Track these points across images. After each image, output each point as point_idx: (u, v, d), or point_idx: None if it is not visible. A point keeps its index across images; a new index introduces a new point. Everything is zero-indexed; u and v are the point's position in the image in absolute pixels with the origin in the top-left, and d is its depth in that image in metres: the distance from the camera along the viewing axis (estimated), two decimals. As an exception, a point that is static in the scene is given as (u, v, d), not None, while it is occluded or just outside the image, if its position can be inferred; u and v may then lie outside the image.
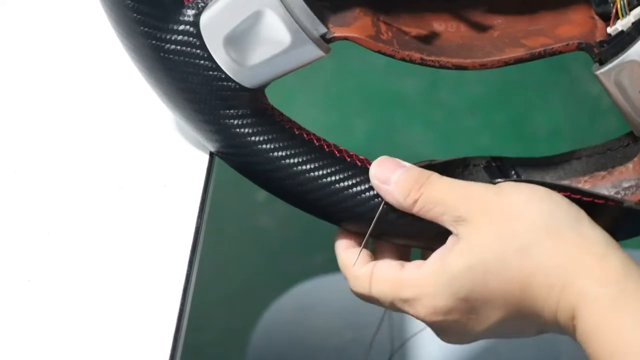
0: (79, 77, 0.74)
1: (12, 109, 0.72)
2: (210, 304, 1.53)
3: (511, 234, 0.60)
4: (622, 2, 0.61)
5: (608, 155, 0.67)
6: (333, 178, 0.63)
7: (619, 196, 0.65)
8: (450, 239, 0.62)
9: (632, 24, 0.61)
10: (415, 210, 0.62)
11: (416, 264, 0.63)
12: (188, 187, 0.68)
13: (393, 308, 0.64)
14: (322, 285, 0.98)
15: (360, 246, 0.65)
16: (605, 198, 0.64)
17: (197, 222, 0.67)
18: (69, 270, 0.64)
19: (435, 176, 0.63)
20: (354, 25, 0.62)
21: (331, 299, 0.94)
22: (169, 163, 0.69)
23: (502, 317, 0.62)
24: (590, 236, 0.60)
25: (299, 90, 1.75)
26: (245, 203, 1.63)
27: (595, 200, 0.63)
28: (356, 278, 0.64)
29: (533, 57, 0.63)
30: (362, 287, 0.64)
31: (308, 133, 0.64)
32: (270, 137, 0.63)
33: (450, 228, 0.62)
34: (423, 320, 0.63)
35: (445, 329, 0.63)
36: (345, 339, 0.90)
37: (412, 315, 0.63)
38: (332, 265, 0.68)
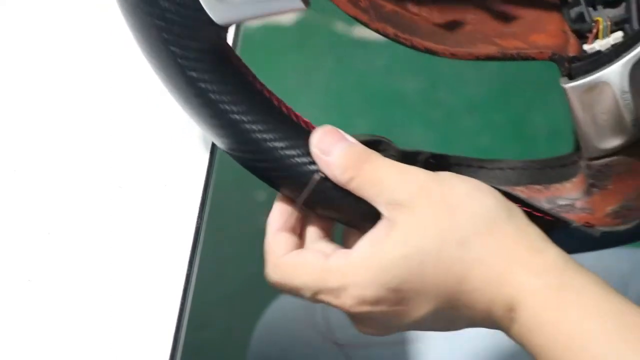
0: (79, 78, 0.74)
1: (12, 109, 0.72)
2: (210, 304, 1.53)
3: (453, 225, 0.59)
4: (605, 24, 0.62)
5: (544, 172, 0.67)
6: (271, 135, 0.61)
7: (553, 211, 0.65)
8: (383, 223, 0.60)
9: (611, 46, 0.61)
10: (351, 187, 0.61)
11: (344, 252, 0.61)
12: (188, 187, 0.68)
13: (315, 300, 0.61)
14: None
15: (293, 231, 0.63)
16: (544, 212, 0.64)
17: (197, 222, 0.67)
18: (69, 270, 0.64)
19: (376, 156, 0.61)
20: None
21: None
22: (169, 163, 0.69)
23: (432, 309, 0.60)
24: (528, 231, 0.60)
25: (299, 90, 1.75)
26: (245, 203, 1.63)
27: (534, 212, 0.63)
28: (277, 266, 0.62)
29: (505, 58, 0.62)
30: (281, 277, 0.62)
31: (262, 84, 0.62)
32: (217, 78, 0.61)
33: (384, 211, 0.60)
34: (347, 311, 0.61)
35: (368, 320, 0.62)
36: (346, 337, 0.90)
37: (336, 307, 0.61)
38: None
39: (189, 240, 0.66)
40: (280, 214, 0.64)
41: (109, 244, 0.66)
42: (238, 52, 0.77)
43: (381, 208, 0.60)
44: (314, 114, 1.83)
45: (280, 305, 0.97)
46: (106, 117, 0.72)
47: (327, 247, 0.64)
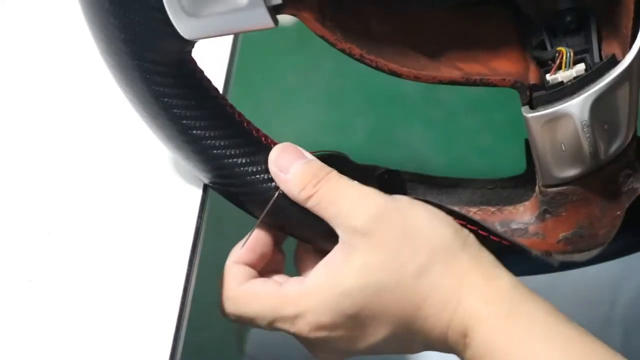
0: (79, 78, 0.74)
1: (12, 109, 0.72)
2: (210, 304, 1.53)
3: (411, 256, 0.60)
4: (568, 54, 0.62)
5: (495, 193, 0.67)
6: (234, 151, 0.62)
7: (507, 235, 0.66)
8: (340, 248, 0.61)
9: (574, 78, 0.61)
10: (309, 205, 0.61)
11: (299, 279, 0.62)
12: (188, 187, 0.68)
13: (271, 328, 0.62)
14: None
15: (252, 265, 0.64)
16: (501, 237, 0.64)
17: (197, 222, 0.67)
18: (69, 270, 0.64)
19: (334, 174, 0.62)
20: (303, 5, 0.60)
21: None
22: (169, 163, 0.69)
23: (388, 334, 0.61)
24: (481, 258, 0.61)
25: (299, 90, 1.75)
26: (245, 203, 1.63)
27: (492, 237, 0.64)
28: (229, 298, 0.63)
29: (468, 83, 0.62)
30: (236, 308, 0.63)
31: (224, 99, 0.62)
32: (182, 92, 0.61)
33: (341, 234, 0.61)
34: (303, 338, 0.62)
35: (324, 346, 0.62)
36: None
37: (291, 334, 0.62)
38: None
39: (189, 240, 0.66)
40: (242, 246, 0.65)
41: (109, 244, 0.66)
42: (238, 52, 0.77)
43: (338, 231, 0.61)
44: (314, 114, 1.83)
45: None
46: (106, 117, 0.72)
47: (280, 277, 0.65)
